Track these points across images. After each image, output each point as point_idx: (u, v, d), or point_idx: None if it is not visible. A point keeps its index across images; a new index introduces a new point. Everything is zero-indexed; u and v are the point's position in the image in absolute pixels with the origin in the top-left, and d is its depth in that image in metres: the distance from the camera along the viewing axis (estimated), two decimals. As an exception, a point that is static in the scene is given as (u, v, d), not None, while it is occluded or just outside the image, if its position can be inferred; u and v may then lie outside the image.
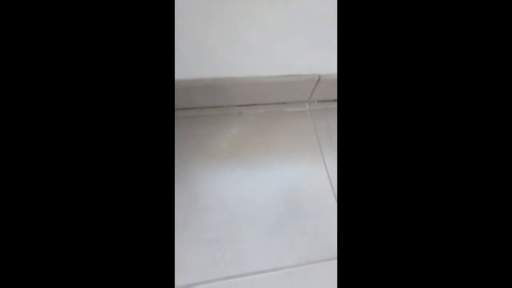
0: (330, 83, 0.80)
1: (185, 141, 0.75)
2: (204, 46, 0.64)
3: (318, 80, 0.78)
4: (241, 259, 0.63)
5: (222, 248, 0.64)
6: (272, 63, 0.72)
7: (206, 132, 0.77)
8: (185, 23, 0.58)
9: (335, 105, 0.87)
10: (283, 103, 0.84)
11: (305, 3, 0.59)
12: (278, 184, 0.73)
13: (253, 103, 0.83)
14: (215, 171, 0.73)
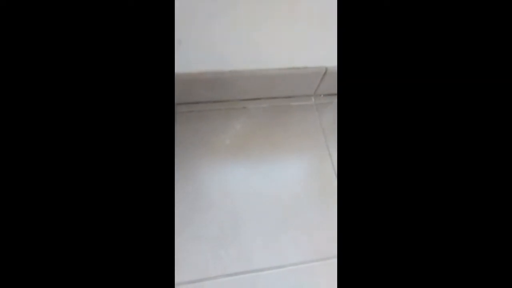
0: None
1: (187, 137, 0.75)
2: (206, 39, 0.63)
3: (325, 73, 0.76)
4: (245, 256, 0.64)
5: (226, 245, 0.64)
6: (276, 55, 0.71)
7: (209, 127, 0.77)
8: (188, 15, 0.57)
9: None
10: (288, 97, 0.84)
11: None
12: (283, 180, 0.72)
13: (258, 97, 0.82)
14: (219, 167, 0.72)
